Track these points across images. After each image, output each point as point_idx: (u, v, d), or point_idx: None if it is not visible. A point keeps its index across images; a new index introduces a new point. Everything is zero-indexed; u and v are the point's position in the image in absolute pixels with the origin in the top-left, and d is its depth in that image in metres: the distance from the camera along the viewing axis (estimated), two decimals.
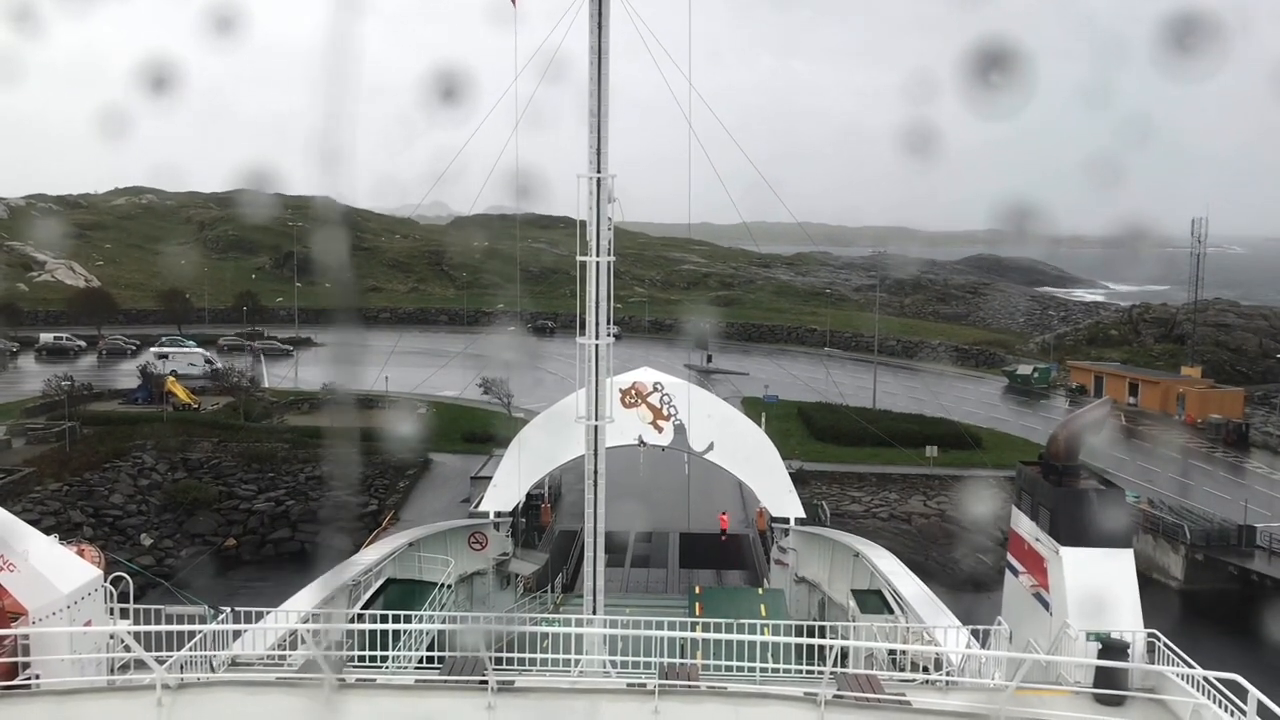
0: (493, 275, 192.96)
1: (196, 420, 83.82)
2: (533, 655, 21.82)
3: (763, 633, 24.31)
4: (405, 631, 28.74)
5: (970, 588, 54.98)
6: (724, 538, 57.78)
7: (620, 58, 29.90)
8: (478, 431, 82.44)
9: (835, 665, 18.57)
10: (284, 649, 24.20)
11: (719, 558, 60.28)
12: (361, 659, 24.26)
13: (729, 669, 21.64)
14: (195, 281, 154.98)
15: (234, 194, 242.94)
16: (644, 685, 18.27)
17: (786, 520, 48.09)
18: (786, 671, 22.10)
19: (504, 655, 22.19)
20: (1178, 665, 19.29)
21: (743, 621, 22.94)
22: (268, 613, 25.28)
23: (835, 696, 18.08)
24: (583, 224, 30.22)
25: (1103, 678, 19.36)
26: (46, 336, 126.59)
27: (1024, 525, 24.55)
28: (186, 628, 19.80)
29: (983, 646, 24.49)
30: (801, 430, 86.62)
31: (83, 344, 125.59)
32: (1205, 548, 60.65)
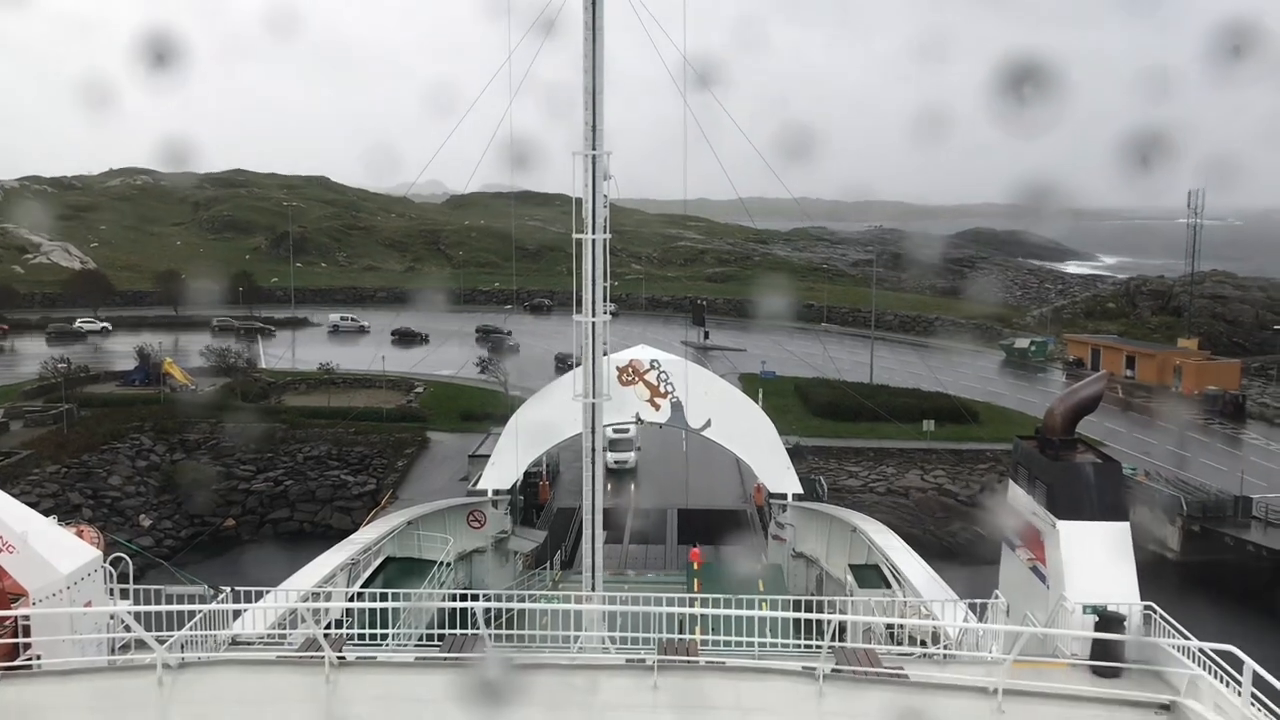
0: (489, 254, 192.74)
1: (194, 401, 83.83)
2: (532, 632, 21.89)
3: (761, 608, 24.38)
4: (405, 609, 28.83)
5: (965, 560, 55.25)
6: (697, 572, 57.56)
7: (617, 30, 29.80)
8: (475, 410, 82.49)
9: (833, 640, 18.64)
10: (284, 628, 24.27)
11: (717, 533, 60.45)
12: (361, 637, 24.33)
13: (728, 644, 21.71)
14: (190, 262, 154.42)
15: (230, 174, 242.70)
16: (643, 661, 18.34)
17: (784, 496, 48.20)
18: (785, 646, 22.18)
19: (503, 632, 22.26)
20: (1174, 637, 19.37)
21: (741, 597, 23.01)
22: (267, 592, 25.34)
23: (833, 670, 18.15)
24: (578, 201, 30.18)
25: (1099, 650, 19.45)
26: (333, 317, 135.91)
27: (1021, 499, 24.59)
28: (186, 607, 19.81)
29: (980, 620, 24.60)
30: (799, 406, 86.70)
31: (366, 324, 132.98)
32: (1201, 519, 60.82)
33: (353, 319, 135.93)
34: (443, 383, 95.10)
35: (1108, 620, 20.06)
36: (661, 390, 48.57)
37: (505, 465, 48.86)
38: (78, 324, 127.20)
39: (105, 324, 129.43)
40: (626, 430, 66.49)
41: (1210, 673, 17.86)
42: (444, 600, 33.17)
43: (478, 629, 19.53)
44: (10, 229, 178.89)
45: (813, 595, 42.18)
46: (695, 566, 50.14)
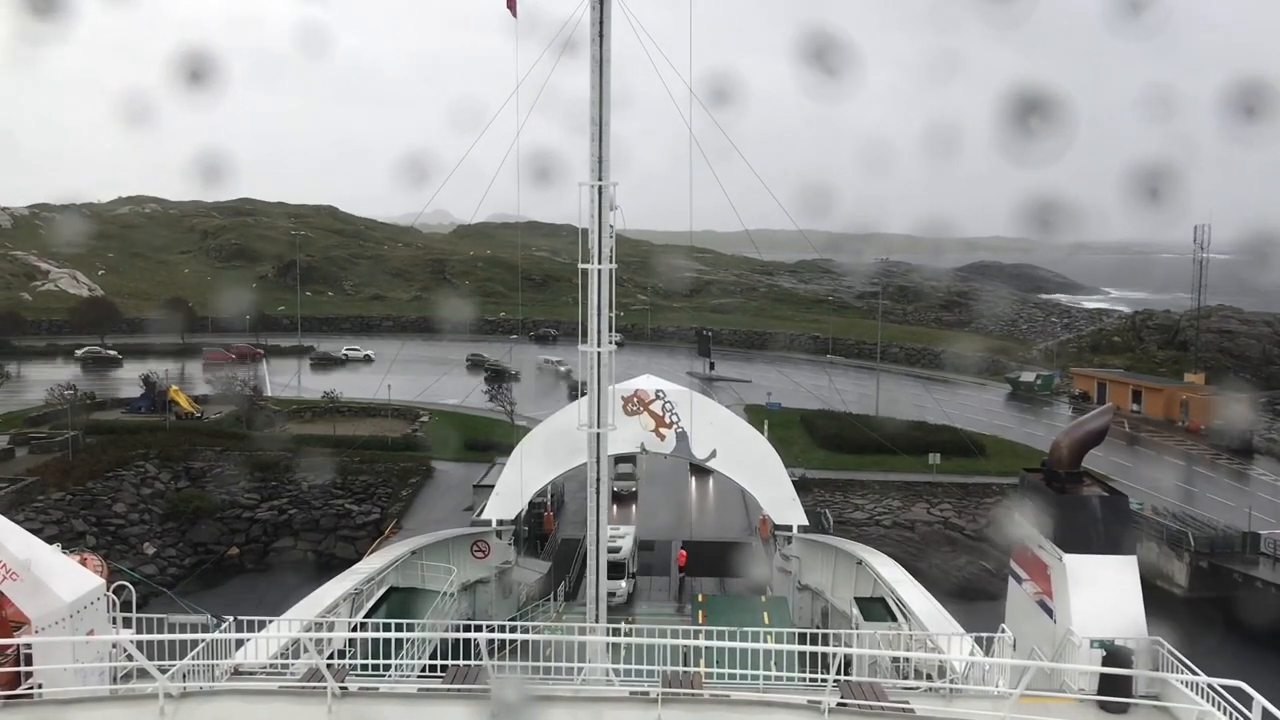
0: (495, 283, 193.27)
1: (199, 429, 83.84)
2: (535, 664, 21.77)
3: (766, 640, 24.22)
4: (408, 640, 28.69)
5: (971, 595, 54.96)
6: (682, 573, 57.58)
7: (625, 63, 30.02)
8: (480, 439, 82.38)
9: (839, 673, 18.51)
10: (286, 658, 24.16)
11: (722, 566, 60.27)
12: (364, 667, 24.21)
13: (732, 677, 21.58)
14: (198, 290, 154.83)
15: (238, 203, 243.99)
16: (647, 694, 18.23)
17: (789, 528, 48.03)
18: (790, 679, 22.04)
19: (507, 664, 22.14)
20: (1182, 672, 19.22)
21: (746, 630, 22.88)
22: (270, 621, 25.25)
23: (839, 704, 18.02)
24: (584, 231, 30.29)
25: (1107, 685, 19.29)
26: (540, 357, 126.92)
27: (1027, 533, 24.45)
28: (189, 636, 19.76)
29: (986, 654, 24.42)
30: (804, 437, 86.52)
31: (570, 368, 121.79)
32: (1209, 555, 60.47)
33: (557, 361, 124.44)
34: (448, 411, 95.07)
35: (1116, 654, 19.92)
36: (667, 420, 48.54)
37: (510, 495, 48.74)
38: (344, 352, 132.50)
39: (369, 353, 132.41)
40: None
41: (1219, 708, 17.71)
42: (447, 631, 33.02)
43: (481, 660, 19.43)
44: (20, 255, 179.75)
45: (818, 628, 41.95)
46: (680, 564, 50.22)
